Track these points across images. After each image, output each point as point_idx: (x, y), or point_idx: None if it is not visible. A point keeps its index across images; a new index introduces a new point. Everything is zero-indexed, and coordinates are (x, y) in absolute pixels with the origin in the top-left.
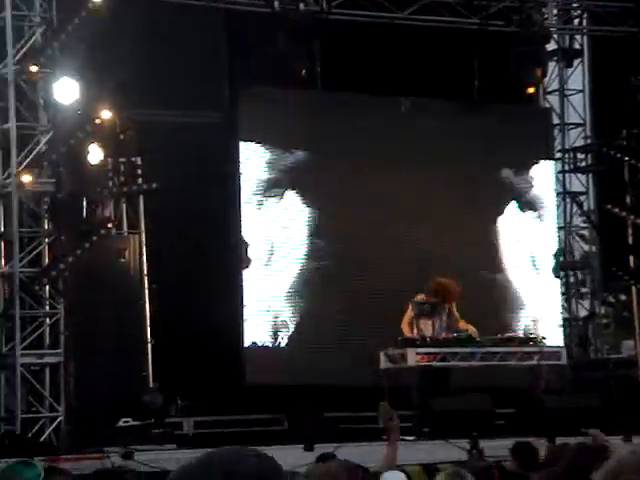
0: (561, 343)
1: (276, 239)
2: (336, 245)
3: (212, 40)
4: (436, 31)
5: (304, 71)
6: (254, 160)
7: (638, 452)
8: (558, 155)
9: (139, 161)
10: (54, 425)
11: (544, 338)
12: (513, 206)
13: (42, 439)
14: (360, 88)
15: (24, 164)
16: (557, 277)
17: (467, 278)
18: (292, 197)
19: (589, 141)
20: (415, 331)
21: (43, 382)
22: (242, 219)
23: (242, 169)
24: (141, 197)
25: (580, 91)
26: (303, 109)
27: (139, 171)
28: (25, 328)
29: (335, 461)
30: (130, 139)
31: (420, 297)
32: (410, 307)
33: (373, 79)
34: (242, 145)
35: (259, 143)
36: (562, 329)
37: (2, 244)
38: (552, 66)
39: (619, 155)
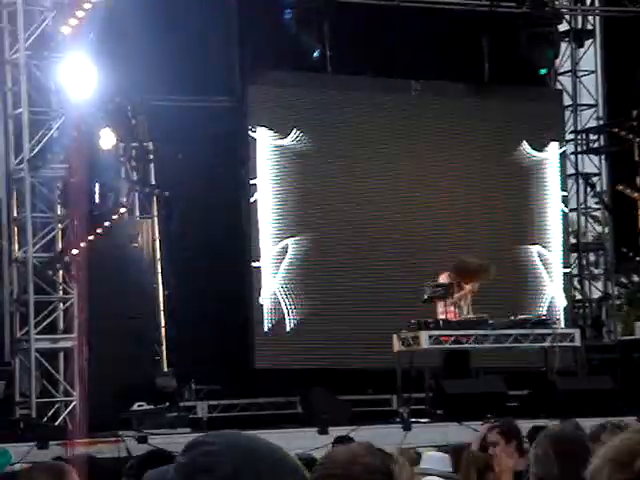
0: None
1: (288, 223)
2: (347, 228)
3: (223, 24)
4: (446, 13)
5: (314, 54)
6: (265, 144)
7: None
8: (570, 136)
9: (151, 146)
10: (69, 409)
11: (558, 319)
12: (524, 187)
13: (57, 423)
14: (370, 71)
15: (36, 149)
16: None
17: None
18: (303, 181)
19: (601, 122)
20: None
21: (57, 366)
22: (253, 203)
23: (253, 153)
24: (153, 181)
25: (592, 72)
26: (313, 92)
27: (150, 156)
28: (39, 313)
29: (356, 443)
30: (141, 124)
31: (442, 277)
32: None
33: (383, 62)
34: (253, 129)
35: (270, 127)
36: (575, 310)
37: (15, 229)
38: (564, 47)
39: (631, 136)
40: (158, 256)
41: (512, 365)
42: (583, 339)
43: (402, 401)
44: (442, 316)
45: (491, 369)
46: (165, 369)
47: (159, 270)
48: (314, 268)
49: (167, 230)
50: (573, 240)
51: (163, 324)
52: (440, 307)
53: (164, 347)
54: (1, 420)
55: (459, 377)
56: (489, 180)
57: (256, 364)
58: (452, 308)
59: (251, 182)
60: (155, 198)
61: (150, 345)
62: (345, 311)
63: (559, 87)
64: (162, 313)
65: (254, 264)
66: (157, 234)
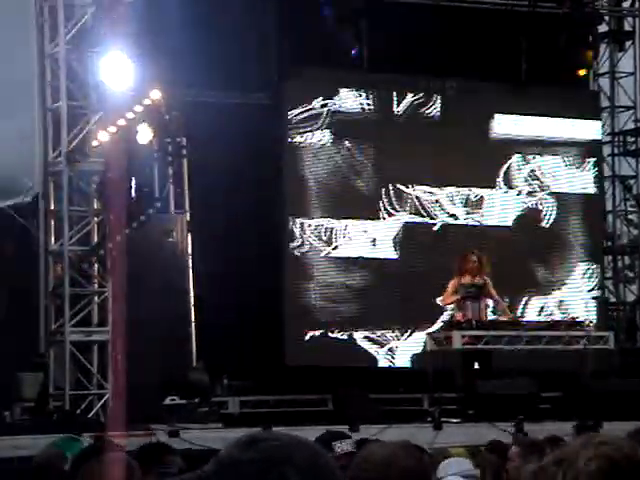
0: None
1: (323, 222)
2: (384, 227)
3: (261, 21)
4: (484, 12)
5: (352, 52)
6: (298, 141)
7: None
8: (608, 138)
9: (184, 142)
10: (102, 402)
11: (591, 322)
12: (558, 189)
13: (90, 416)
14: (406, 69)
15: (74, 143)
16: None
17: (505, 259)
18: (338, 178)
19: (639, 124)
20: (461, 313)
21: (91, 359)
22: (288, 199)
23: (286, 150)
24: (186, 177)
25: (631, 74)
26: (350, 90)
27: (184, 152)
28: (74, 306)
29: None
30: (176, 120)
31: (466, 279)
32: (452, 288)
33: (419, 60)
34: (289, 126)
35: (304, 125)
36: (609, 313)
37: (52, 222)
38: (602, 48)
39: None
40: (190, 251)
41: (544, 366)
42: (617, 342)
43: (433, 400)
44: (473, 316)
45: (523, 370)
46: (197, 364)
47: (190, 265)
48: (350, 268)
49: (201, 225)
50: (608, 243)
51: (194, 319)
52: (470, 307)
53: (194, 342)
54: (36, 411)
55: (481, 378)
56: (523, 180)
57: (289, 361)
58: (479, 308)
59: (283, 178)
60: (188, 194)
61: (182, 339)
62: (378, 311)
63: (596, 89)
64: (194, 308)
65: (288, 261)
66: (189, 229)
